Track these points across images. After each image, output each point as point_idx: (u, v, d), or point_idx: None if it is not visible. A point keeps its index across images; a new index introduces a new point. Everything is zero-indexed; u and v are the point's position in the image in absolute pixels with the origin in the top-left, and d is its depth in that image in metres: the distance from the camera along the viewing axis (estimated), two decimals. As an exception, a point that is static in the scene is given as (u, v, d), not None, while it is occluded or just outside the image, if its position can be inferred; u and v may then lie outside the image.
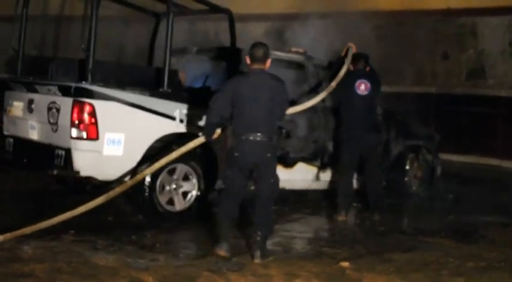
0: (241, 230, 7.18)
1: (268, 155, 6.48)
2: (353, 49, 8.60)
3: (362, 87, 8.45)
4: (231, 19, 8.51)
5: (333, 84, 8.33)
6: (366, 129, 8.47)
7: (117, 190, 7.11)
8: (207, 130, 6.77)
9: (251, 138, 6.39)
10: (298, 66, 8.91)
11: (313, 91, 8.79)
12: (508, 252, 7.16)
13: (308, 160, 8.83)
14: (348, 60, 8.53)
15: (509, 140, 12.43)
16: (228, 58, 8.49)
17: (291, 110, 7.51)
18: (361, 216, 8.86)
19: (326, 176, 9.05)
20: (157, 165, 7.24)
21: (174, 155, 7.24)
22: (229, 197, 6.64)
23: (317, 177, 8.97)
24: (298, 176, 8.56)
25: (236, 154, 6.47)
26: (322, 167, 8.96)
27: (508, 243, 7.60)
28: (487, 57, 13.86)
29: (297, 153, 8.63)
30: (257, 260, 6.43)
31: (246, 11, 12.62)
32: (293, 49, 8.96)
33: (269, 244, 6.84)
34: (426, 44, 11.90)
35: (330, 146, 8.98)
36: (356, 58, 8.61)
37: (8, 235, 6.60)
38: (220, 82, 8.36)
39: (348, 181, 8.65)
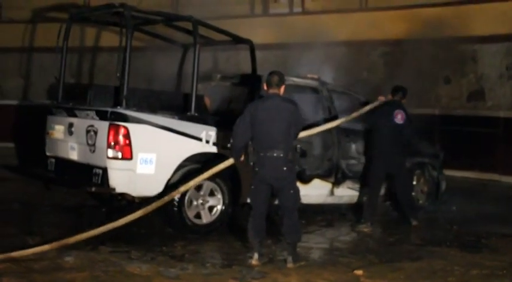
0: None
1: (285, 168, 6.60)
2: (382, 99, 8.86)
3: (399, 117, 8.66)
4: (252, 48, 8.54)
5: (353, 115, 8.65)
6: (396, 152, 8.68)
7: (154, 205, 7.16)
8: (234, 153, 6.88)
9: (269, 154, 6.54)
10: (313, 90, 8.92)
11: (328, 113, 8.80)
12: (509, 261, 7.11)
13: (323, 177, 8.80)
14: (372, 105, 8.77)
15: (507, 156, 12.34)
16: (249, 84, 8.51)
17: (305, 133, 7.71)
18: (373, 228, 8.83)
19: (339, 191, 9.01)
20: (191, 183, 7.32)
21: (205, 175, 7.35)
22: (255, 213, 6.71)
23: (331, 193, 8.94)
24: (314, 192, 8.54)
25: (257, 169, 6.63)
26: (336, 183, 8.94)
27: (509, 252, 7.54)
28: (486, 81, 13.80)
29: (312, 170, 8.62)
30: (290, 265, 6.57)
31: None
32: (309, 75, 8.97)
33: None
34: (430, 69, 11.87)
35: (343, 164, 8.97)
36: (395, 90, 8.89)
37: (54, 244, 6.64)
38: (242, 106, 8.42)
39: (376, 196, 8.79)
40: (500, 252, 7.50)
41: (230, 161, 7.25)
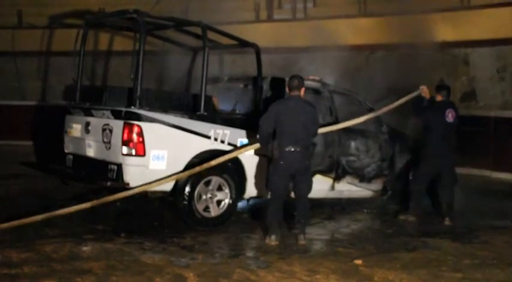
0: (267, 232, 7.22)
1: (306, 162, 7.24)
2: (422, 91, 8.72)
3: (450, 116, 8.58)
4: (258, 52, 8.56)
5: (380, 111, 8.71)
6: (448, 150, 8.60)
7: (186, 173, 7.48)
8: (262, 140, 7.44)
9: (292, 149, 7.07)
10: (315, 91, 8.93)
11: (329, 113, 8.81)
12: (499, 251, 7.13)
13: (324, 172, 8.82)
14: (409, 96, 8.72)
15: (498, 153, 12.35)
16: (255, 85, 8.54)
17: (329, 128, 8.39)
18: (371, 220, 8.87)
19: (340, 186, 9.02)
20: (215, 161, 7.53)
21: (235, 153, 7.70)
22: (274, 199, 7.26)
23: (332, 187, 8.95)
24: (316, 186, 8.50)
25: (281, 162, 7.14)
26: (336, 179, 8.96)
27: (499, 242, 7.56)
28: (477, 83, 13.81)
29: (315, 166, 8.61)
30: (302, 242, 7.18)
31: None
32: (310, 77, 8.98)
33: (293, 245, 7.10)
34: (425, 72, 11.87)
35: (343, 161, 8.98)
36: (441, 88, 8.81)
37: (94, 202, 7.12)
38: (247, 106, 8.47)
39: (422, 190, 8.77)
40: (490, 243, 7.52)
41: (256, 146, 7.67)
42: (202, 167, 7.49)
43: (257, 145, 7.66)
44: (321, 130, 8.01)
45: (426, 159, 8.68)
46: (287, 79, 7.47)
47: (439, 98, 8.72)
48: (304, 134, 7.15)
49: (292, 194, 7.45)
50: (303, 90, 7.32)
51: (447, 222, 8.60)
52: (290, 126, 7.11)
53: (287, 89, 7.38)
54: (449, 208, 8.69)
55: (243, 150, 7.77)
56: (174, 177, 7.44)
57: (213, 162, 7.52)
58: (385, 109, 8.73)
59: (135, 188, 7.31)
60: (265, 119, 7.21)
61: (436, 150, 8.57)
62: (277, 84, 8.35)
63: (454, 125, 8.64)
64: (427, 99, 8.73)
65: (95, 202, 7.07)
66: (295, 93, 7.27)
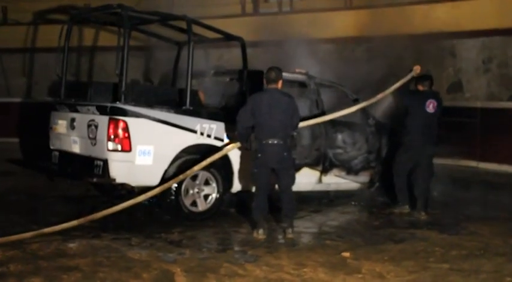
0: (254, 227, 7.20)
1: (285, 154, 7.14)
2: (416, 71, 8.62)
3: (431, 106, 8.47)
4: (243, 45, 8.52)
5: (378, 96, 8.57)
6: (427, 141, 8.49)
7: (157, 190, 7.33)
8: (240, 138, 7.39)
9: (270, 142, 7.03)
10: (301, 84, 8.92)
11: (315, 106, 8.79)
12: (486, 242, 7.14)
13: (311, 165, 8.81)
14: (403, 80, 8.59)
15: (484, 144, 12.36)
16: (241, 79, 8.50)
17: (317, 120, 8.32)
18: (359, 213, 8.87)
19: (327, 179, 9.01)
20: (196, 167, 7.48)
21: (216, 156, 7.58)
22: (258, 193, 7.22)
23: (319, 180, 8.95)
24: (303, 180, 8.51)
25: (259, 155, 7.10)
26: (323, 171, 8.95)
27: (486, 233, 7.56)
28: (464, 74, 13.82)
29: (302, 160, 8.62)
30: (289, 235, 7.16)
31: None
32: (297, 70, 8.96)
33: (280, 238, 7.12)
34: (411, 63, 11.87)
35: (330, 153, 8.96)
36: (423, 78, 8.65)
37: (81, 220, 6.93)
38: (233, 99, 8.43)
39: (403, 179, 8.65)
40: (477, 234, 7.53)
41: (235, 145, 7.63)
42: (199, 166, 7.49)
43: (238, 144, 7.59)
44: (311, 121, 8.02)
45: (405, 147, 8.59)
46: (256, 70, 7.45)
47: (420, 88, 8.64)
48: (282, 126, 7.06)
49: (277, 187, 7.40)
50: (280, 82, 7.22)
51: (423, 216, 8.44)
52: (267, 118, 7.02)
53: (265, 82, 7.30)
54: (425, 201, 8.56)
55: (224, 151, 7.68)
56: (176, 179, 7.41)
57: (203, 164, 7.50)
58: (380, 96, 8.59)
59: (138, 196, 7.27)
60: (242, 114, 7.14)
61: (415, 139, 8.48)
62: (256, 77, 8.25)
63: (435, 115, 8.52)
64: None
65: (82, 220, 6.92)
66: (272, 85, 7.19)
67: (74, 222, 6.86)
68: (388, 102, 9.26)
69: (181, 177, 7.42)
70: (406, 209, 8.63)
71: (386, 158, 9.42)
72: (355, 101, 8.99)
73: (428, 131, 8.49)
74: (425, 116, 8.47)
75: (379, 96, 8.61)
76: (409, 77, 8.62)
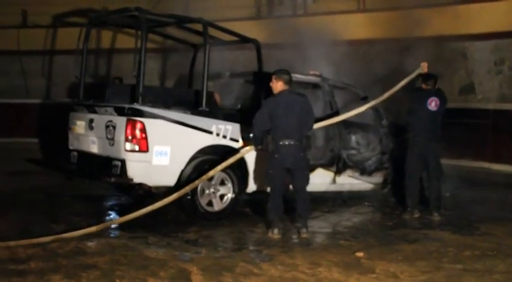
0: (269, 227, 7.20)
1: (301, 154, 7.18)
2: (423, 68, 8.52)
3: (433, 104, 8.40)
4: (258, 48, 8.52)
5: (385, 95, 8.47)
6: (431, 138, 8.40)
7: (187, 188, 7.36)
8: (255, 141, 7.42)
9: (286, 142, 7.03)
10: (315, 86, 8.90)
11: (329, 107, 8.77)
12: (499, 242, 7.09)
13: (325, 166, 8.79)
14: (410, 76, 8.50)
15: (497, 145, 12.31)
16: (256, 81, 8.49)
17: (333, 120, 8.28)
18: (372, 213, 8.83)
19: (341, 179, 8.99)
20: (212, 172, 7.48)
21: (231, 160, 7.55)
22: (274, 193, 7.20)
23: (333, 181, 8.93)
24: (318, 180, 8.49)
25: (276, 156, 7.10)
26: (337, 172, 8.92)
27: (498, 234, 7.51)
28: (476, 76, 13.76)
29: (316, 160, 8.60)
30: (304, 235, 7.14)
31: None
32: (311, 72, 8.94)
33: (295, 238, 7.11)
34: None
35: (344, 154, 8.94)
36: (427, 78, 8.54)
37: (100, 226, 6.92)
38: (249, 101, 8.42)
39: (415, 183, 8.52)
40: (490, 235, 7.48)
41: (250, 149, 7.61)
42: (214, 170, 7.49)
43: (250, 148, 7.60)
44: (324, 123, 8.03)
45: (410, 145, 8.48)
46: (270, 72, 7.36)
47: (424, 86, 8.54)
48: (298, 127, 7.09)
49: (291, 187, 7.38)
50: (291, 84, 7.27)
51: (436, 217, 8.36)
52: (284, 120, 7.04)
53: (274, 83, 7.22)
54: (438, 202, 8.47)
55: (239, 154, 7.64)
56: (192, 185, 7.40)
57: (218, 168, 7.52)
58: (388, 93, 8.47)
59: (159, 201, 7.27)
60: (259, 117, 7.15)
61: (419, 136, 8.38)
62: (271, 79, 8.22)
63: (438, 113, 8.43)
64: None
65: (101, 226, 6.96)
66: (286, 87, 7.18)
67: (93, 229, 6.84)
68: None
69: (197, 182, 7.41)
70: (417, 214, 8.46)
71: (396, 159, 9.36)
72: (364, 99, 8.94)
73: (431, 128, 8.40)
74: (427, 114, 8.39)
75: (387, 94, 8.50)
76: (416, 73, 8.53)
